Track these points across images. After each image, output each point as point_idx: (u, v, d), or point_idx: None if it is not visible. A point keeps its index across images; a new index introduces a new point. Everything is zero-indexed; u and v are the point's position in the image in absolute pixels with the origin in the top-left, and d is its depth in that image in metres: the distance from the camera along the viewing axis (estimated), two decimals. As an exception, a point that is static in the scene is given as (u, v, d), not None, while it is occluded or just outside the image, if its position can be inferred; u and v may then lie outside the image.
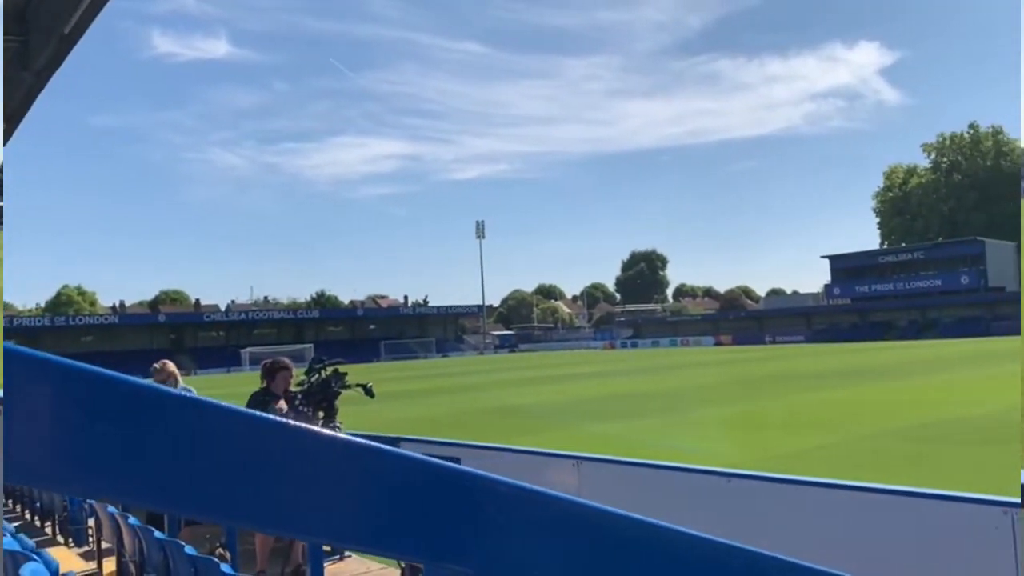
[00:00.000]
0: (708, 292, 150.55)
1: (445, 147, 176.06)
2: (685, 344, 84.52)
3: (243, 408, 0.71)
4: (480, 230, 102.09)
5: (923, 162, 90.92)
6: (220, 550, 5.00)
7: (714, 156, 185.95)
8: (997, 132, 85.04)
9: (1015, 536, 3.06)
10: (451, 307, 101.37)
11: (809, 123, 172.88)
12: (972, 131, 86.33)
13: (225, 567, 3.44)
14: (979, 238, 74.45)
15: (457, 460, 5.19)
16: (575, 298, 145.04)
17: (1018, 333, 59.12)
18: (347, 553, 5.73)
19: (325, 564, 4.89)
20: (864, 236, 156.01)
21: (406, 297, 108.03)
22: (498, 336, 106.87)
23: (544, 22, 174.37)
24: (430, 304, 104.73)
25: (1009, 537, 3.08)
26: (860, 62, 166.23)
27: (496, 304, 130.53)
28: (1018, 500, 3.16)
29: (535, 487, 0.85)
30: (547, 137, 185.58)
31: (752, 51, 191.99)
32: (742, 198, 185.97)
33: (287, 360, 6.29)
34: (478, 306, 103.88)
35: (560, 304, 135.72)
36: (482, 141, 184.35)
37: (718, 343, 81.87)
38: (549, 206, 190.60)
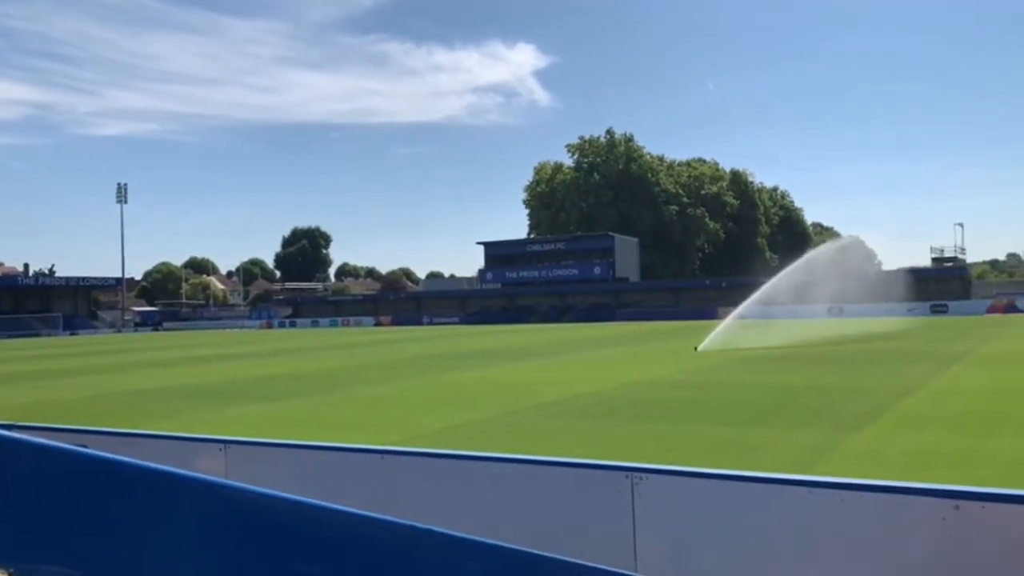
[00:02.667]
0: (371, 273, 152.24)
1: (83, 98, 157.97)
2: (345, 324, 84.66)
3: None
4: (122, 193, 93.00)
5: (568, 161, 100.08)
6: None
7: (381, 137, 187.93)
8: (629, 139, 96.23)
9: (632, 498, 3.42)
10: (83, 279, 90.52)
11: (471, 115, 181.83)
12: (609, 136, 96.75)
13: None
14: (610, 233, 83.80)
15: (84, 447, 4.61)
16: (230, 274, 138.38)
17: (636, 319, 67.69)
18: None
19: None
20: (516, 226, 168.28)
21: (27, 265, 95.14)
22: (140, 313, 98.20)
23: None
24: (57, 275, 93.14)
25: (629, 499, 3.43)
26: (518, 62, 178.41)
27: (139, 278, 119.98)
28: (636, 464, 3.54)
29: (170, 469, 0.76)
30: (205, 99, 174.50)
31: (420, 38, 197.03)
32: (407, 181, 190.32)
33: None
34: (116, 279, 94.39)
35: (213, 280, 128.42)
36: (128, 95, 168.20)
37: (378, 323, 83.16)
38: (204, 173, 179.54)
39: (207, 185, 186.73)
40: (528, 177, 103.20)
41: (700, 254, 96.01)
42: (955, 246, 71.65)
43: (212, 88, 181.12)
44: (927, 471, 8.24)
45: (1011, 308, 57.41)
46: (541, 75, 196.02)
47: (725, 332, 30.49)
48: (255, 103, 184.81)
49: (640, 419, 12.87)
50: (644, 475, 3.44)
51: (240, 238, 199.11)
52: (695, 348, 27.87)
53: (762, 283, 36.47)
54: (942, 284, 58.19)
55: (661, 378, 19.20)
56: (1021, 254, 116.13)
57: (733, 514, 3.23)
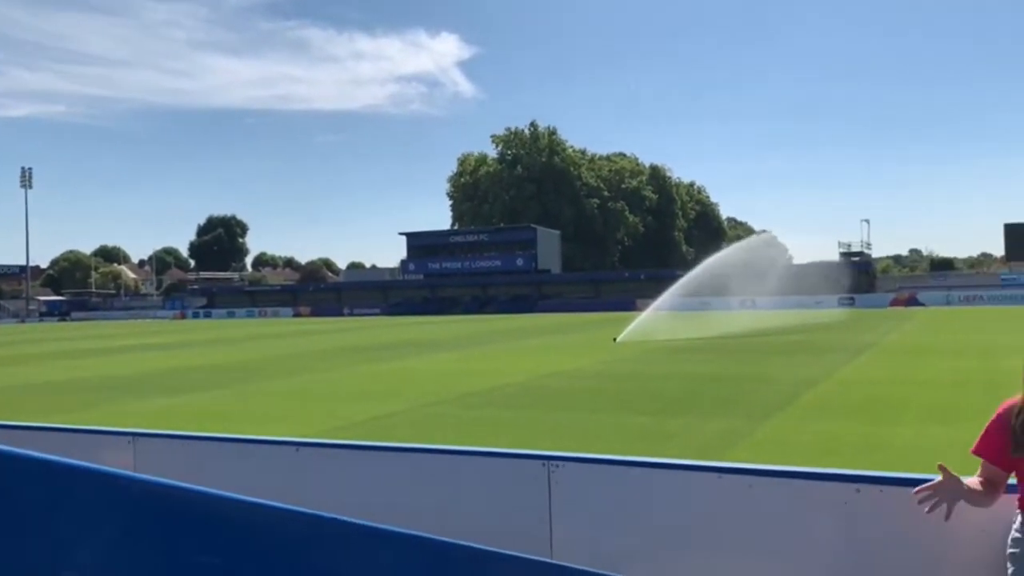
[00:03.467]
0: (289, 263, 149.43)
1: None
2: (263, 315, 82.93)
3: None
4: (26, 178, 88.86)
5: (492, 152, 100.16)
6: None
7: (301, 125, 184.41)
8: (552, 132, 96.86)
9: (549, 485, 3.46)
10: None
11: (393, 104, 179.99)
12: (532, 129, 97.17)
13: None
14: (532, 225, 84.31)
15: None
16: (142, 263, 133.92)
17: (558, 311, 68.32)
18: None
19: None
20: (439, 217, 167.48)
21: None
22: (45, 302, 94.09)
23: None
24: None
25: (545, 486, 3.47)
26: (441, 52, 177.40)
27: (44, 266, 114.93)
28: (552, 453, 3.58)
29: (69, 461, 0.74)
30: (117, 81, 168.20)
31: (341, 24, 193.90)
32: (327, 170, 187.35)
33: None
34: (20, 267, 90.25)
35: (124, 269, 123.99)
36: (34, 76, 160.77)
37: (297, 314, 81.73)
38: (115, 158, 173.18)
39: (118, 171, 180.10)
40: (452, 168, 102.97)
41: (620, 247, 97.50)
42: (862, 241, 74.63)
43: (124, 70, 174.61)
44: (832, 457, 8.57)
45: (912, 301, 60.23)
46: (465, 66, 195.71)
47: (643, 323, 31.07)
48: (170, 87, 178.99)
49: (560, 409, 13.01)
50: (560, 463, 3.49)
51: (153, 226, 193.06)
52: (614, 339, 28.31)
53: (679, 276, 37.31)
54: (849, 278, 60.47)
55: (581, 369, 19.43)
56: (922, 250, 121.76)
57: (646, 500, 3.30)
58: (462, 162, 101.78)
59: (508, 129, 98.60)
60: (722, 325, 33.32)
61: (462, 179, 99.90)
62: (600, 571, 2.63)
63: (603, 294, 74.00)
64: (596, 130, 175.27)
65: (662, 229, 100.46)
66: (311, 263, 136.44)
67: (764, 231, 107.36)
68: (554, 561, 3.18)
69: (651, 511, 3.30)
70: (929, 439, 9.48)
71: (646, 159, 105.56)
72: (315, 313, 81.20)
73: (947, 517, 2.67)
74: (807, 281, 49.80)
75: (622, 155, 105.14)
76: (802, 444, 9.59)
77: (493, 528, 3.33)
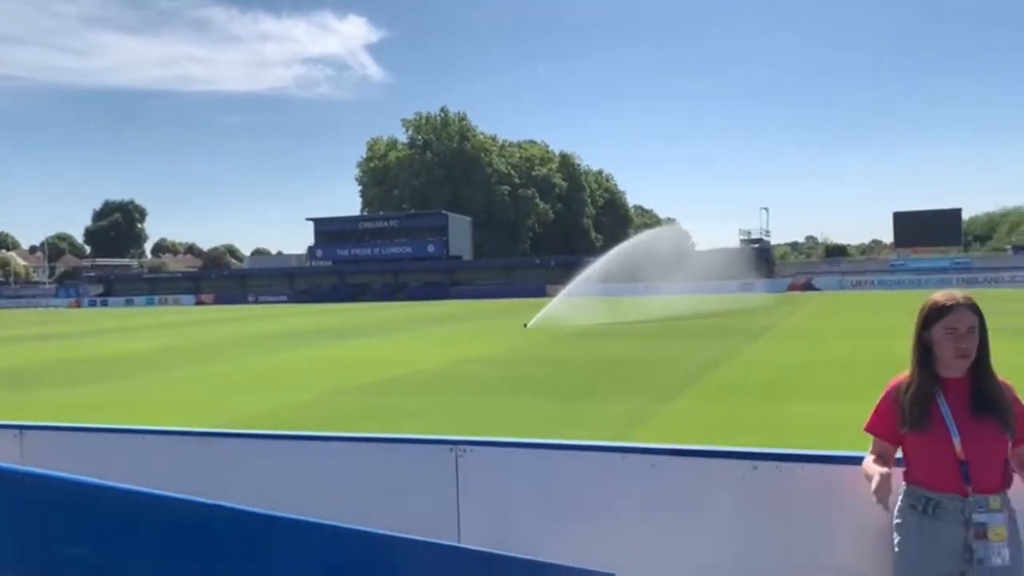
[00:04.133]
0: (191, 249, 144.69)
1: None
2: (163, 303, 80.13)
3: None
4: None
5: (402, 137, 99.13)
6: None
7: (203, 107, 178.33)
8: (462, 118, 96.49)
9: (456, 470, 3.47)
10: None
11: (300, 87, 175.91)
12: (443, 114, 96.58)
13: None
14: (444, 211, 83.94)
15: None
16: (33, 249, 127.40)
17: (469, 297, 68.34)
18: None
19: None
20: (348, 203, 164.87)
21: None
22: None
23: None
24: None
25: (453, 471, 3.48)
26: (349, 34, 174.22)
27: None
28: (459, 438, 3.59)
29: None
30: (6, 58, 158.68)
31: (245, 4, 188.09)
32: (231, 154, 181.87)
33: None
34: None
35: (13, 255, 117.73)
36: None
37: (199, 302, 79.29)
38: (3, 139, 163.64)
39: (7, 153, 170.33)
40: (361, 153, 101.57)
41: (531, 234, 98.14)
42: (761, 229, 77.33)
43: (11, 47, 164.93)
44: (731, 435, 8.87)
45: (808, 286, 62.83)
46: (373, 49, 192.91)
47: (554, 309, 31.41)
48: (63, 65, 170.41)
49: (470, 395, 13.05)
50: (467, 447, 3.50)
51: (46, 211, 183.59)
52: (525, 325, 28.52)
53: (588, 262, 37.87)
54: (749, 264, 62.53)
55: (492, 355, 19.52)
56: (818, 237, 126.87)
57: (553, 481, 3.35)
58: (371, 147, 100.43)
59: (418, 114, 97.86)
60: (630, 310, 33.99)
61: (371, 164, 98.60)
62: (507, 553, 2.65)
63: (514, 280, 74.39)
64: (506, 117, 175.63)
65: (572, 216, 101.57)
66: (214, 249, 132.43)
67: (669, 219, 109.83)
68: (461, 545, 3.20)
69: (558, 492, 3.35)
70: (824, 417, 9.92)
71: (556, 147, 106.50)
72: (218, 300, 78.92)
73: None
74: (710, 267, 51.23)
75: (532, 142, 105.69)
76: (704, 423, 9.89)
77: (400, 514, 3.32)
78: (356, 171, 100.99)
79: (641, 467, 3.24)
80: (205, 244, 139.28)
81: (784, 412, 10.54)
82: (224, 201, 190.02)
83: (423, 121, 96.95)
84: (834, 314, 32.60)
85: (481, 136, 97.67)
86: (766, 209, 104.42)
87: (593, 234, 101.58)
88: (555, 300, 33.95)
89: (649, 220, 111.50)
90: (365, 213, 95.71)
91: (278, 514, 1.22)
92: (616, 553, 3.19)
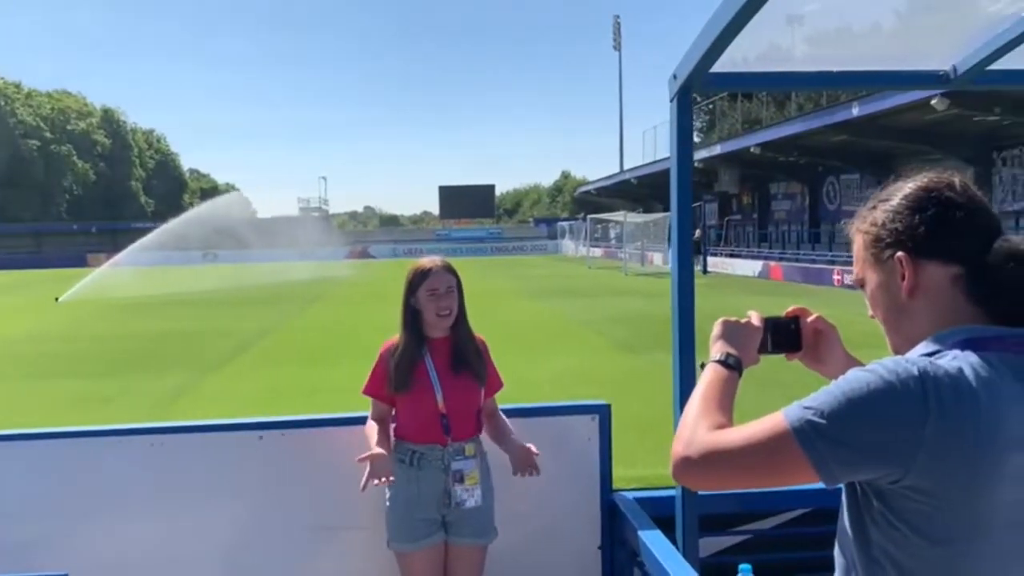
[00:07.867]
0: None
1: None
2: None
3: None
4: None
5: None
6: None
7: None
8: None
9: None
10: None
11: None
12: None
13: None
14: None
15: None
16: None
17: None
18: None
19: None
20: None
21: None
22: None
23: None
24: None
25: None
26: None
27: None
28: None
29: None
30: None
31: None
32: None
33: None
34: None
35: None
36: None
37: None
38: None
39: None
40: None
41: (68, 196, 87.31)
42: (319, 197, 78.54)
43: None
44: (275, 402, 9.16)
45: (365, 254, 65.76)
46: None
47: (97, 280, 28.76)
48: None
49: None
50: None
51: None
52: (56, 299, 25.63)
53: (138, 228, 35.30)
54: (309, 232, 63.26)
55: (11, 334, 17.30)
56: (375, 207, 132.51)
57: (69, 471, 3.13)
58: None
59: None
60: (187, 280, 32.35)
61: None
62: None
63: (47, 249, 65.78)
64: (34, 62, 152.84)
65: (117, 178, 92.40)
66: None
67: (229, 184, 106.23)
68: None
69: (60, 487, 3.10)
70: (361, 379, 10.68)
71: (97, 100, 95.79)
72: None
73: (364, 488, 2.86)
74: (270, 235, 50.90)
75: (67, 93, 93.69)
76: (248, 393, 10.04)
77: None
78: None
79: (142, 449, 3.13)
80: None
81: (327, 375, 11.03)
82: None
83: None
84: (387, 280, 34.60)
85: (1, 82, 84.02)
86: (324, 178, 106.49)
87: (143, 198, 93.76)
88: (100, 270, 31.08)
89: (205, 185, 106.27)
90: None
91: None
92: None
